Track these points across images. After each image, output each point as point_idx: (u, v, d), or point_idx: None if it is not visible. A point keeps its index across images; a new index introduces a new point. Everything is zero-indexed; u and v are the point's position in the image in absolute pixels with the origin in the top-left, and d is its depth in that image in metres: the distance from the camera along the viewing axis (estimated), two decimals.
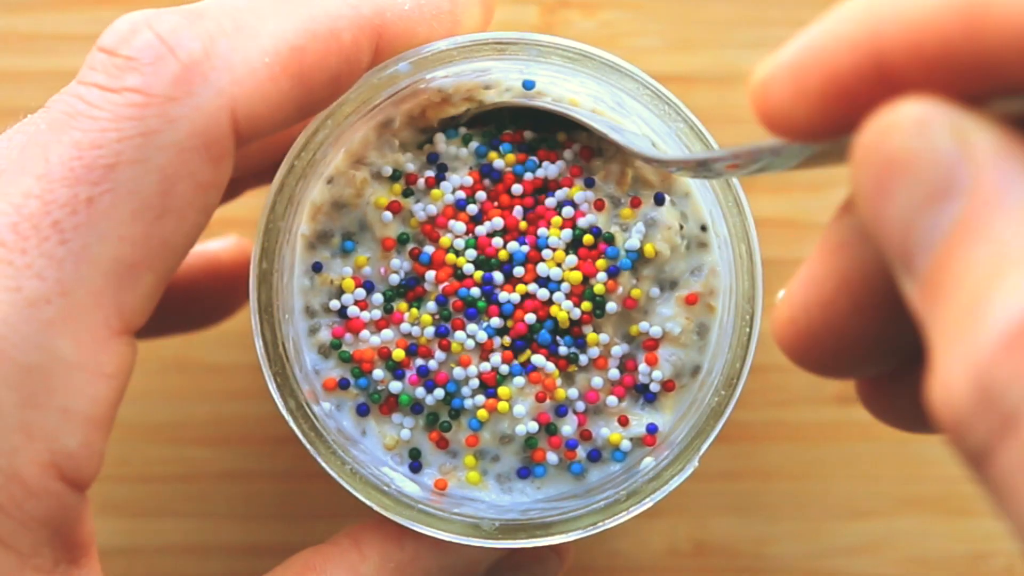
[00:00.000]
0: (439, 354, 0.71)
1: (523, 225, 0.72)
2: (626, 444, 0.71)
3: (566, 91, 0.69)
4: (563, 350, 0.70)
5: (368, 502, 0.68)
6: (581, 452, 0.71)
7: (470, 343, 0.70)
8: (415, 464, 0.71)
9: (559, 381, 0.72)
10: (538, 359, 0.70)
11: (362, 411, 0.71)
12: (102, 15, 0.88)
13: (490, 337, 0.70)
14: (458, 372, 0.70)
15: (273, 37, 0.62)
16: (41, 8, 0.91)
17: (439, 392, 0.70)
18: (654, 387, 0.72)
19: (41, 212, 0.60)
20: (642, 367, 0.72)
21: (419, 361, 0.71)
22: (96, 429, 0.61)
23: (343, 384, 0.71)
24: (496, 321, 0.70)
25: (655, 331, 0.71)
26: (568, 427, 0.71)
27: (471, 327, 0.70)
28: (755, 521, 0.85)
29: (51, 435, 0.60)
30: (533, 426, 0.70)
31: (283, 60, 0.62)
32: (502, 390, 0.71)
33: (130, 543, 0.84)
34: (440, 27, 0.69)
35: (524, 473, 0.70)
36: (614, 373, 0.71)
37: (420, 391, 0.71)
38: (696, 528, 0.85)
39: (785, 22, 0.87)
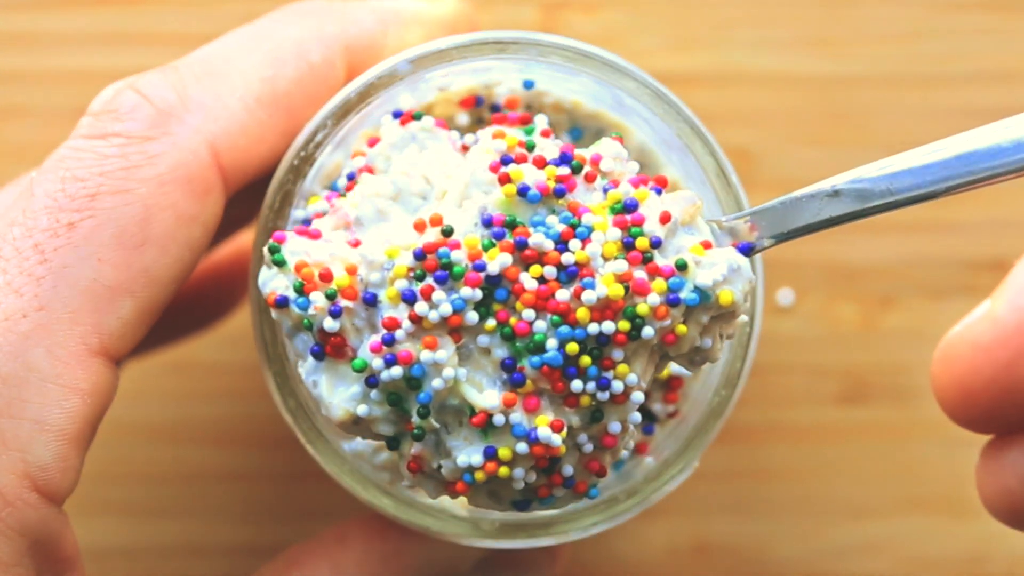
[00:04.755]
0: (407, 324, 0.59)
1: (553, 173, 0.60)
2: (625, 454, 0.67)
3: (567, 91, 0.66)
4: (577, 385, 0.59)
5: (369, 502, 0.65)
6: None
7: (433, 315, 0.58)
8: (391, 444, 0.62)
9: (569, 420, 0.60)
10: (544, 432, 0.59)
11: (315, 352, 0.61)
12: (102, 14, 0.84)
13: (457, 312, 0.59)
14: (426, 356, 0.59)
15: (243, 73, 0.64)
16: (41, 8, 0.86)
17: (397, 371, 0.59)
18: (659, 411, 0.67)
19: (23, 236, 0.60)
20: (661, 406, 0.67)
21: (384, 331, 0.59)
22: (70, 444, 0.59)
23: (281, 301, 0.60)
24: (469, 292, 0.59)
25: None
26: (569, 467, 0.61)
27: (437, 294, 0.59)
28: (755, 521, 0.81)
29: (25, 445, 0.59)
30: (532, 477, 0.61)
31: (255, 92, 0.64)
32: (503, 451, 0.59)
33: (130, 543, 0.81)
34: (409, 34, 0.67)
35: (524, 506, 0.62)
36: (636, 417, 0.61)
37: (378, 362, 0.59)
38: (696, 528, 0.81)
39: (786, 21, 0.82)
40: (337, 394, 0.60)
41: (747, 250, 0.61)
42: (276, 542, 0.79)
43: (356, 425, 0.61)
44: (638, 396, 0.60)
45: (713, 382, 0.66)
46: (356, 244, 0.61)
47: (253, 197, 0.67)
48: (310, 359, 0.61)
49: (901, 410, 0.81)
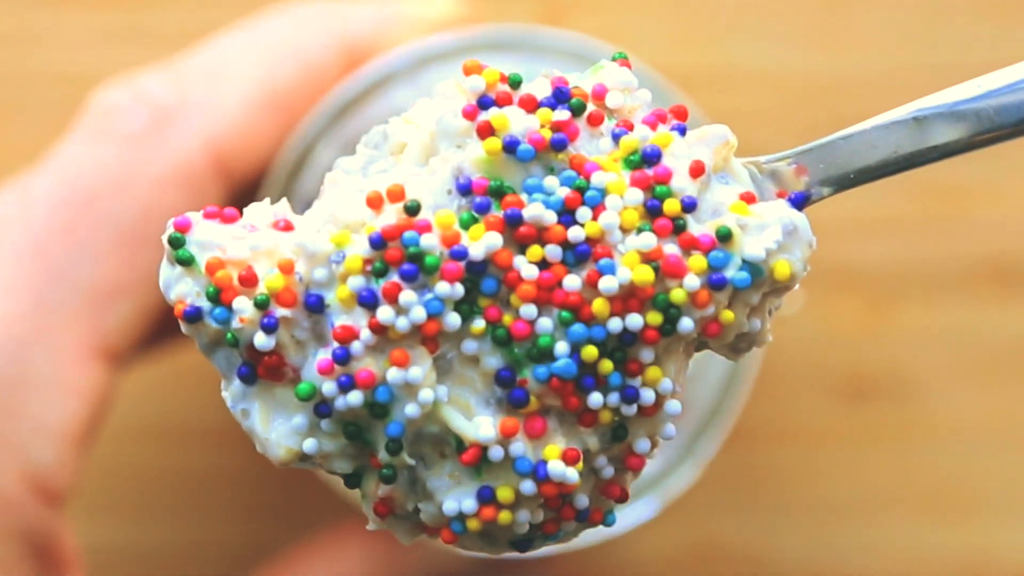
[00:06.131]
0: (366, 335, 0.42)
1: (548, 117, 0.44)
2: None
3: None
4: (596, 399, 0.43)
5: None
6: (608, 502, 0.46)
7: (401, 322, 0.42)
8: (351, 481, 0.46)
9: (584, 442, 0.45)
10: (555, 467, 0.43)
11: (243, 374, 0.44)
12: (100, 13, 0.81)
13: (432, 316, 0.42)
14: (394, 376, 0.43)
15: (241, 73, 0.62)
16: (39, 7, 0.84)
17: (356, 396, 0.43)
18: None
19: (22, 237, 0.58)
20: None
21: (335, 345, 0.43)
22: (70, 446, 0.58)
23: (191, 314, 0.44)
24: (447, 289, 0.42)
25: None
26: (584, 497, 0.45)
27: (405, 295, 0.42)
28: (755, 521, 0.77)
29: (24, 447, 0.57)
30: (538, 516, 0.45)
31: (254, 92, 0.62)
32: (503, 492, 0.44)
33: (130, 543, 0.78)
34: (407, 33, 0.65)
35: (526, 547, 0.46)
36: (669, 430, 0.45)
37: (329, 386, 0.43)
38: (696, 528, 0.77)
39: (788, 21, 0.79)
40: (275, 428, 0.45)
41: (800, 202, 0.46)
42: (276, 542, 0.77)
43: (303, 462, 0.45)
44: (674, 406, 0.44)
45: (714, 382, 0.65)
46: (288, 228, 0.45)
47: (253, 198, 0.66)
48: (236, 382, 0.44)
49: (901, 410, 0.80)
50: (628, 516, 0.60)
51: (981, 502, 0.77)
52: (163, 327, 0.68)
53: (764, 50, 0.78)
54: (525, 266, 0.42)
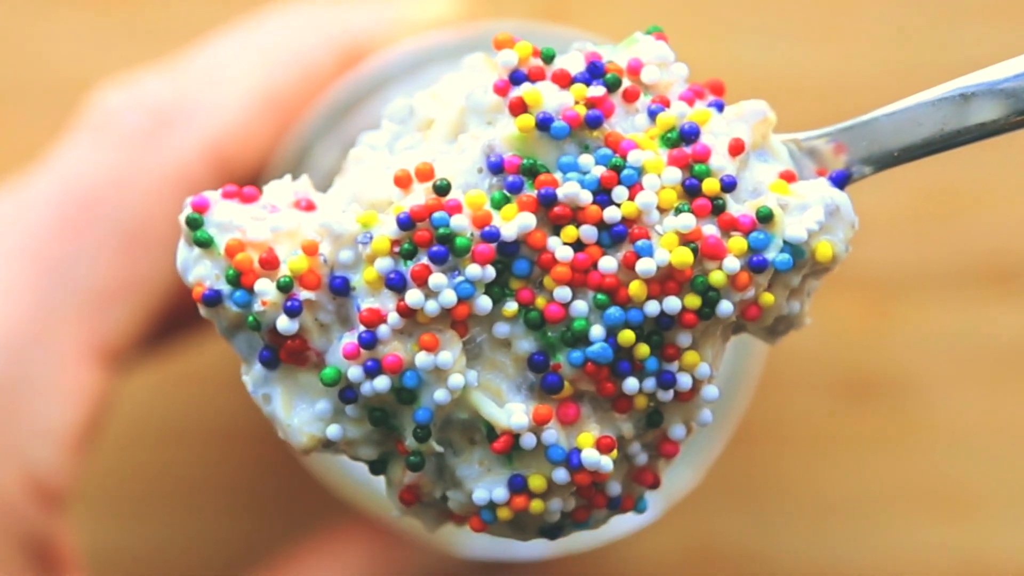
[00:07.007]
0: (394, 318, 0.41)
1: (583, 94, 0.42)
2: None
3: None
4: (632, 384, 0.42)
5: (370, 510, 0.62)
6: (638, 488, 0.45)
7: (431, 306, 0.41)
8: (376, 468, 0.45)
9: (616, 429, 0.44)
10: (590, 456, 0.42)
11: (265, 358, 0.43)
12: (98, 13, 0.82)
13: (463, 299, 0.41)
14: (422, 360, 0.41)
15: (241, 75, 0.62)
16: (38, 7, 0.87)
17: (383, 381, 0.42)
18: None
19: (21, 238, 0.58)
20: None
21: (362, 328, 0.41)
22: (69, 448, 0.57)
23: (211, 298, 0.42)
24: (477, 271, 0.41)
25: None
26: (616, 484, 0.44)
27: (435, 277, 0.41)
28: (755, 521, 0.77)
29: (23, 449, 0.57)
30: (570, 504, 0.44)
31: (253, 93, 0.61)
32: (535, 481, 0.42)
33: (130, 543, 0.79)
34: (406, 34, 0.64)
35: (555, 534, 0.45)
36: (706, 416, 0.44)
37: (355, 371, 0.42)
38: (695, 528, 0.78)
39: (790, 22, 0.79)
40: (298, 413, 0.43)
41: (842, 180, 0.44)
42: (276, 542, 0.78)
43: (327, 448, 0.43)
44: (711, 392, 0.43)
45: (717, 384, 0.64)
46: (310, 207, 0.43)
47: None
48: (257, 366, 0.43)
49: (901, 410, 0.80)
50: (631, 518, 0.59)
51: (981, 502, 0.77)
52: (163, 328, 0.67)
53: (764, 48, 0.77)
54: (559, 247, 0.41)
